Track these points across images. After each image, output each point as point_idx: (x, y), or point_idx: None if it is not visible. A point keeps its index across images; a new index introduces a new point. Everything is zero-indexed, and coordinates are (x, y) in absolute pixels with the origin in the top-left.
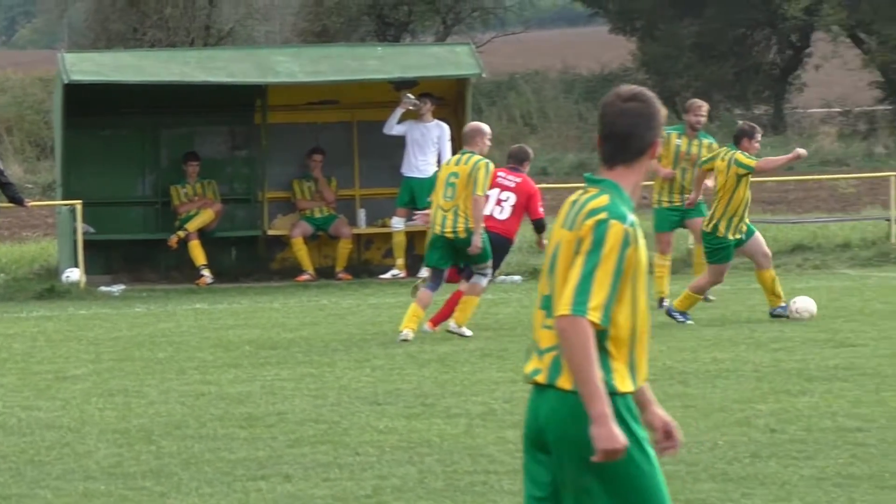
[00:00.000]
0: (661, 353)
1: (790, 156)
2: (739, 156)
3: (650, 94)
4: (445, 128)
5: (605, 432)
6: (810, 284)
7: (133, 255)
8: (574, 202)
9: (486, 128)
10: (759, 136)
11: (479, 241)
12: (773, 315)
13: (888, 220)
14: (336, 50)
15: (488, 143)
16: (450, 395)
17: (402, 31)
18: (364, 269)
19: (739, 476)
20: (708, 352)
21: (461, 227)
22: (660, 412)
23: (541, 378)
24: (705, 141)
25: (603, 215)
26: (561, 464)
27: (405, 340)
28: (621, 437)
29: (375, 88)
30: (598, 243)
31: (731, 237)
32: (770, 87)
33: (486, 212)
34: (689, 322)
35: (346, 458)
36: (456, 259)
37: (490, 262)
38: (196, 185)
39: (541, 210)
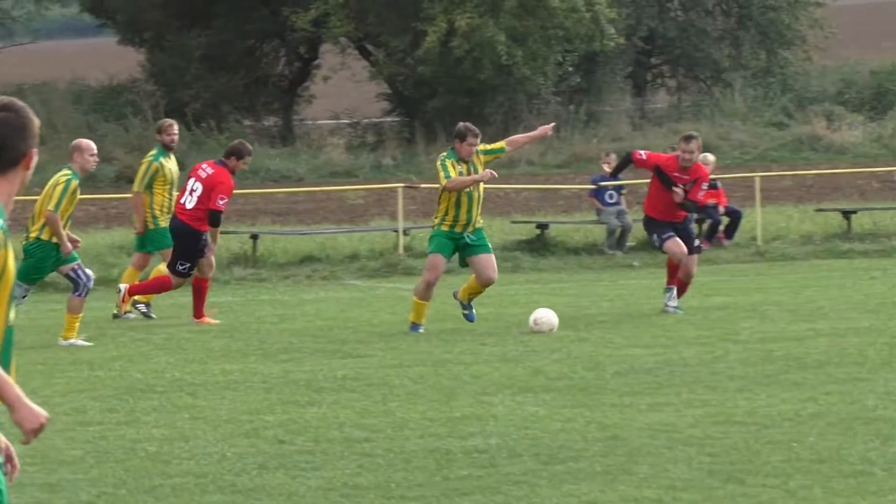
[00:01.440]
0: (170, 365)
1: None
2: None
3: (22, 105)
4: None
5: (26, 412)
6: (319, 295)
7: None
8: None
9: (83, 143)
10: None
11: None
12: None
13: (396, 231)
14: None
15: (89, 158)
16: None
17: None
18: None
19: (247, 487)
20: (217, 363)
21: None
22: (1, 436)
23: None
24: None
25: None
26: None
27: None
28: (42, 411)
29: None
30: None
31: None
32: (279, 98)
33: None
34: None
35: None
36: None
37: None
38: None
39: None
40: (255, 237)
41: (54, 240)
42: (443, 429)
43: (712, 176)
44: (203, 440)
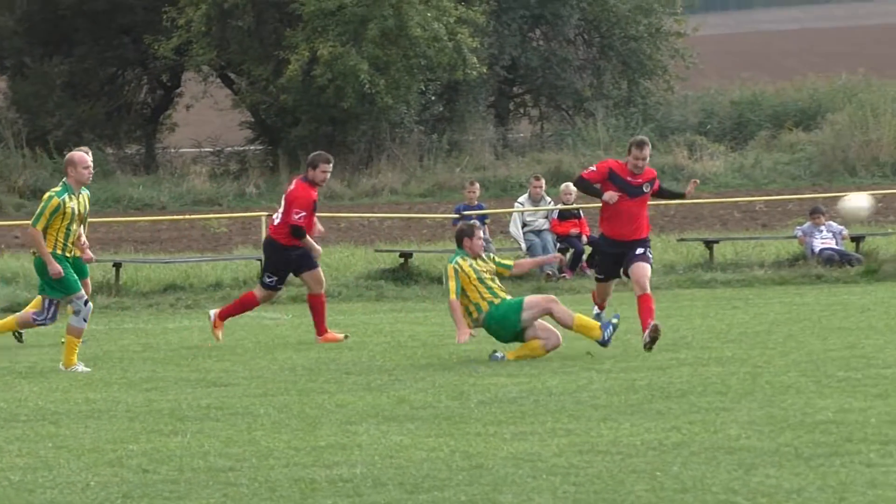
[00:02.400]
0: (34, 394)
1: None
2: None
3: None
4: None
5: None
6: (183, 324)
7: None
8: None
9: (76, 156)
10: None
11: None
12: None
13: (259, 259)
14: None
15: (83, 171)
16: None
17: None
18: None
19: None
20: (80, 392)
21: None
22: None
23: None
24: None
25: None
26: None
27: None
28: None
29: None
30: None
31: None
32: (142, 126)
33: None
34: None
35: None
36: None
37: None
38: None
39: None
40: (117, 265)
41: (59, 252)
42: (307, 458)
43: (575, 205)
44: (66, 469)
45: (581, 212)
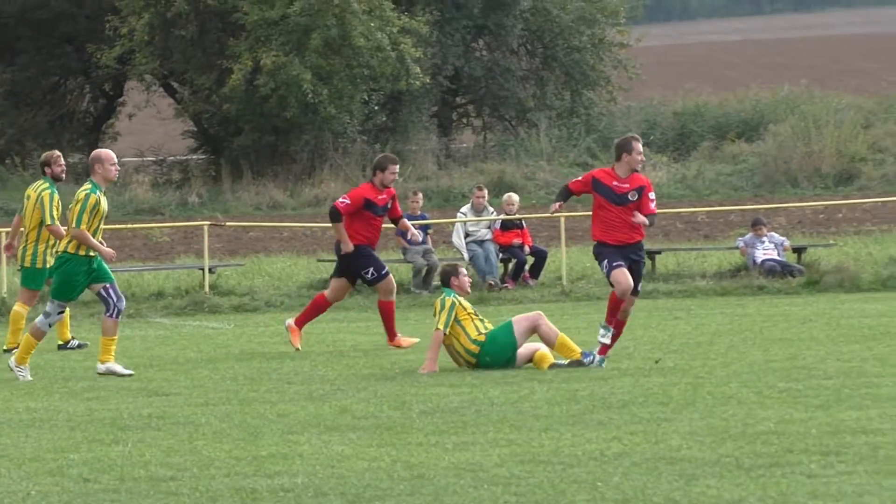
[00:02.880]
0: None
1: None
2: None
3: None
4: None
5: None
6: (125, 333)
7: None
8: None
9: (103, 154)
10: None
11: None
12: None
13: (202, 269)
14: None
15: (110, 168)
16: None
17: None
18: None
19: None
20: (21, 401)
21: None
22: None
23: None
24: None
25: None
26: None
27: None
28: None
29: None
30: None
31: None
32: (84, 135)
33: None
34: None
35: None
36: None
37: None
38: None
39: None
40: None
41: (82, 252)
42: (249, 467)
43: (517, 216)
44: (7, 479)
45: (524, 222)
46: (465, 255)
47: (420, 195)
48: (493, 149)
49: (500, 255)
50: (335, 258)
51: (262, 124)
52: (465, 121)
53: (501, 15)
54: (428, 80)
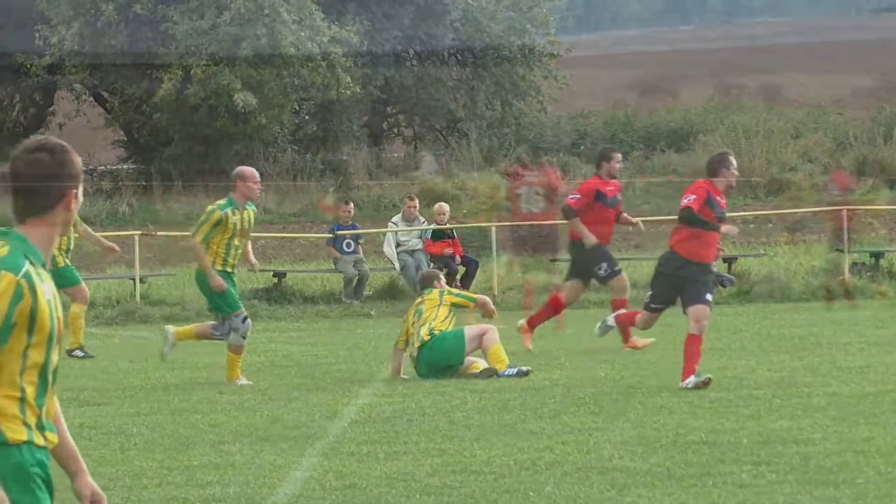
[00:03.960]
0: None
1: None
2: None
3: (60, 144)
4: None
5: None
6: None
7: None
8: None
9: (246, 171)
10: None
11: None
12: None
13: (133, 279)
14: None
15: (252, 186)
16: None
17: None
18: None
19: None
20: None
21: None
22: (91, 482)
23: None
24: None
25: None
26: None
27: None
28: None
29: None
30: None
31: None
32: (14, 145)
33: None
34: None
35: None
36: None
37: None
38: None
39: None
40: None
41: (219, 266)
42: (180, 477)
43: (448, 225)
44: None
45: (454, 232)
46: (397, 265)
47: (351, 205)
48: (423, 158)
49: (431, 264)
50: (264, 269)
51: (193, 134)
52: (395, 130)
53: (431, 25)
54: (358, 90)
